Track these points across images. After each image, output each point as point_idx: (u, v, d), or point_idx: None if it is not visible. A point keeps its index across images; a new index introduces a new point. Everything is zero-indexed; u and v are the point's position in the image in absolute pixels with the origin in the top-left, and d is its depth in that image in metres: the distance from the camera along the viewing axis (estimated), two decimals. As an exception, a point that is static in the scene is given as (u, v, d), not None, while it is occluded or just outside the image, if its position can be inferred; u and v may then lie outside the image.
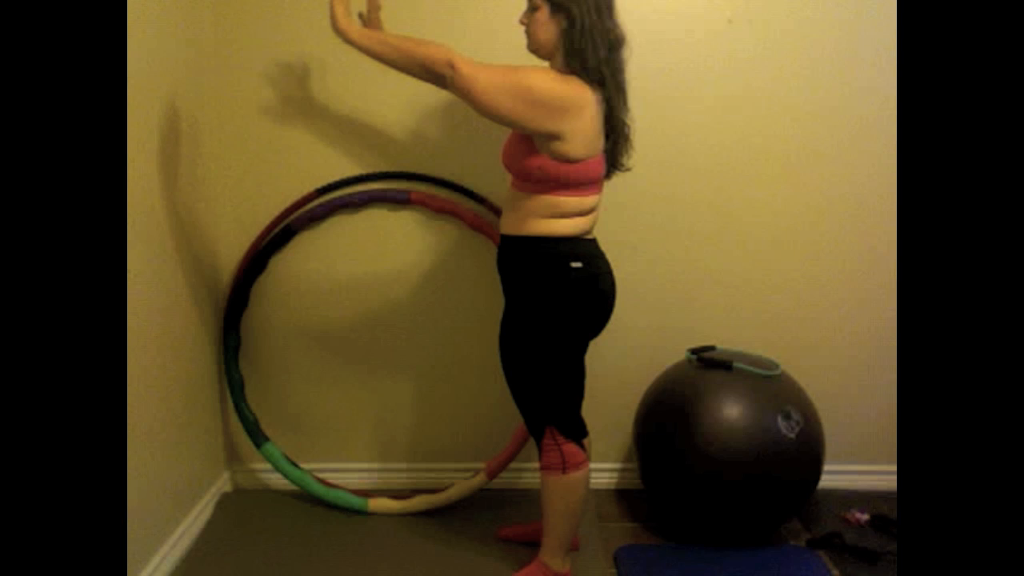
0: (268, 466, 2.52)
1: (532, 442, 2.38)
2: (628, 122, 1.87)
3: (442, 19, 2.37)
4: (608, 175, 1.92)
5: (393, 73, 2.40)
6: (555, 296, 1.83)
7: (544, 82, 1.73)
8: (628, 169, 1.94)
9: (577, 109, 1.73)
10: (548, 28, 1.78)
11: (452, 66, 1.72)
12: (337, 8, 1.80)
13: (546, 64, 1.84)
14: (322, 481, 2.49)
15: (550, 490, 1.95)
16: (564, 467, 1.91)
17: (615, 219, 2.38)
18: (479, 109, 1.75)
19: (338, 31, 1.82)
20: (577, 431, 1.96)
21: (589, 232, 1.90)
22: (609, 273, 1.92)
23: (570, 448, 1.92)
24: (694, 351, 2.38)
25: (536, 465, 2.51)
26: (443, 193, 2.45)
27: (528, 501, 2.46)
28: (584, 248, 1.87)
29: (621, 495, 2.62)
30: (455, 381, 2.58)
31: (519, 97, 1.71)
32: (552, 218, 1.81)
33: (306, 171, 2.44)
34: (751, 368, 2.25)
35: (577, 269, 1.82)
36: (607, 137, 1.83)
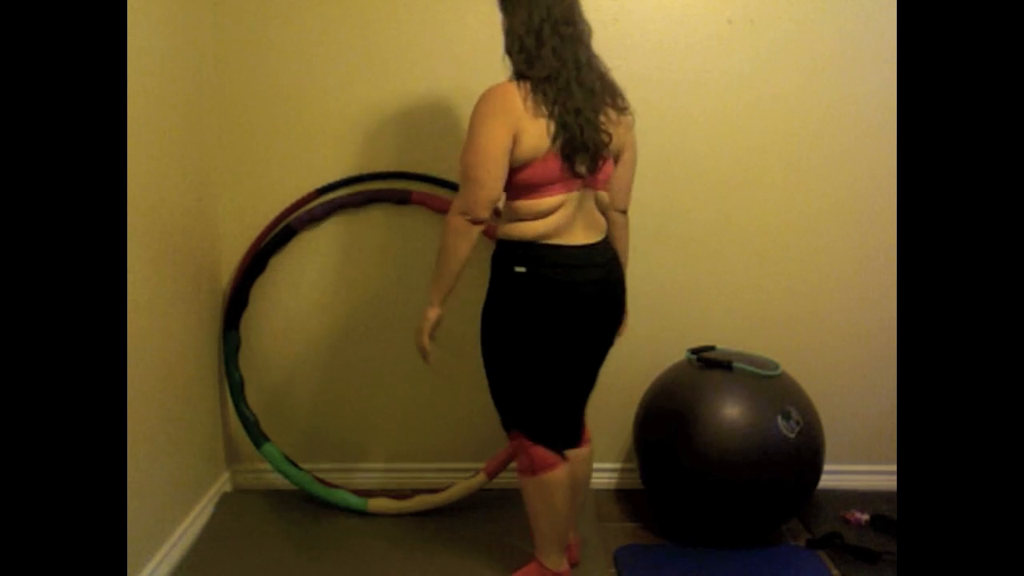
0: (268, 466, 2.51)
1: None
2: (591, 117, 1.75)
3: (442, 19, 2.37)
4: (591, 171, 1.78)
5: (393, 73, 2.42)
6: (500, 299, 1.84)
7: (476, 122, 1.73)
8: (591, 168, 1.78)
9: (495, 117, 1.71)
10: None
11: (471, 216, 1.74)
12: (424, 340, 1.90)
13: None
14: (322, 481, 2.49)
15: (525, 491, 1.96)
16: (533, 470, 1.90)
17: (615, 219, 2.39)
18: (488, 166, 1.73)
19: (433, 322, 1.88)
20: (551, 439, 1.90)
21: (559, 235, 1.79)
22: (582, 282, 1.80)
23: (538, 451, 1.88)
24: (694, 351, 2.38)
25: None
26: (443, 193, 2.45)
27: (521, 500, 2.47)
28: (541, 252, 1.78)
29: (621, 495, 2.62)
30: (455, 381, 2.58)
31: (477, 150, 1.73)
32: (511, 222, 1.82)
33: (306, 171, 2.44)
34: (751, 368, 2.25)
35: (520, 274, 1.79)
36: (559, 136, 1.73)
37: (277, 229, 2.45)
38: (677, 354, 2.45)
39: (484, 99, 1.74)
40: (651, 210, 2.49)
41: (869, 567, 2.17)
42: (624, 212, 1.99)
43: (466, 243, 1.78)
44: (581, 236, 1.82)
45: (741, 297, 2.56)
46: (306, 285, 2.53)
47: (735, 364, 2.26)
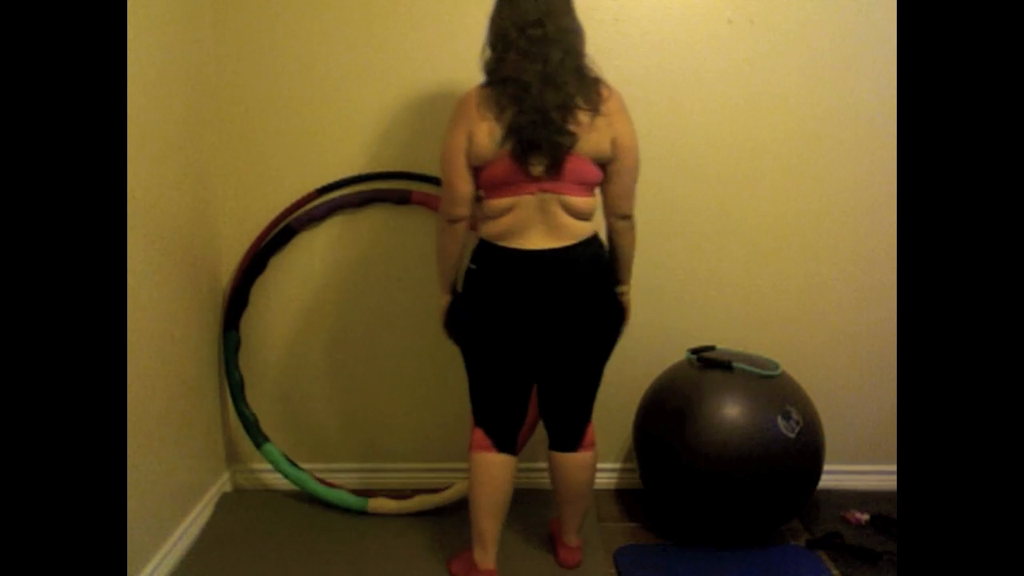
0: (268, 466, 2.51)
1: (531, 442, 2.38)
2: (555, 117, 1.72)
3: (442, 18, 2.37)
4: (550, 174, 1.76)
5: (394, 74, 2.42)
6: (462, 290, 1.95)
7: (446, 128, 1.84)
8: (549, 171, 1.76)
9: (456, 122, 1.81)
10: None
11: (446, 216, 1.87)
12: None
13: None
14: (322, 481, 2.49)
15: None
16: (469, 447, 2.00)
17: (615, 219, 2.39)
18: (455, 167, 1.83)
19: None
20: (489, 428, 1.98)
21: (511, 238, 1.81)
22: (525, 287, 1.82)
23: (476, 432, 2.00)
24: (694, 351, 2.38)
25: (534, 464, 2.52)
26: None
27: (527, 500, 2.46)
28: (490, 252, 1.85)
29: (621, 495, 2.62)
30: (455, 381, 2.56)
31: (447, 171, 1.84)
32: (479, 221, 1.90)
33: (306, 171, 2.44)
34: (751, 368, 2.25)
35: (470, 270, 1.90)
36: (509, 138, 1.73)
37: (277, 229, 2.45)
38: (677, 354, 2.45)
39: (455, 105, 1.83)
40: (651, 210, 2.48)
41: (869, 567, 2.17)
42: (625, 218, 1.94)
43: (449, 239, 1.89)
44: (539, 241, 1.82)
45: (741, 297, 2.56)
46: (306, 285, 2.53)
47: (735, 364, 2.26)
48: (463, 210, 1.84)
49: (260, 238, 2.45)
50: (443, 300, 2.01)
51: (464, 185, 1.81)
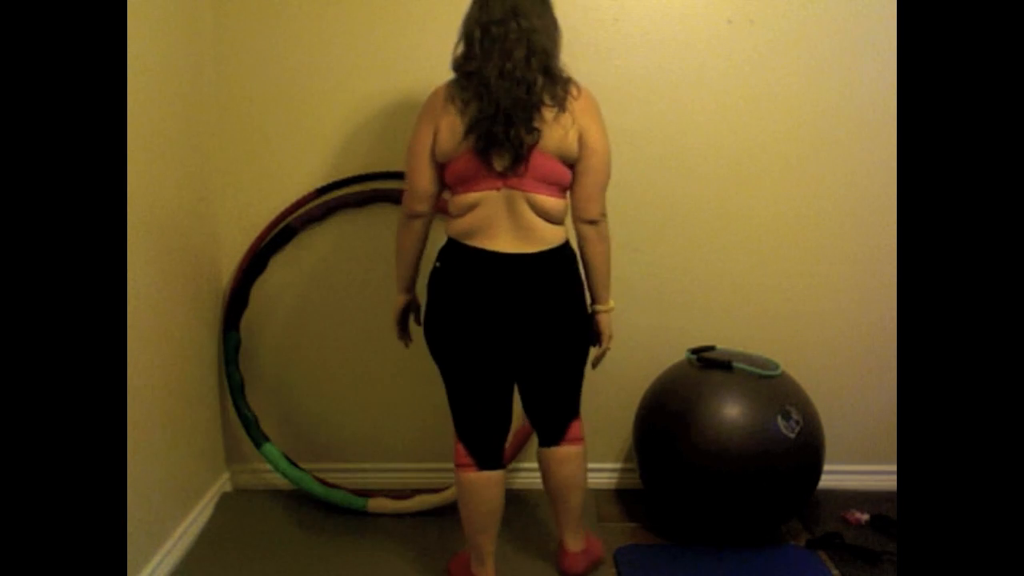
0: (268, 466, 2.51)
1: (530, 442, 2.38)
2: (516, 114, 1.71)
3: (442, 18, 2.37)
4: (513, 170, 1.75)
5: (394, 74, 2.41)
6: (428, 293, 1.90)
7: (415, 124, 1.85)
8: (512, 167, 1.74)
9: (422, 117, 1.83)
10: None
11: (406, 211, 1.89)
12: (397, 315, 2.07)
13: None
14: (322, 481, 2.49)
15: None
16: (455, 462, 1.97)
17: (615, 219, 2.38)
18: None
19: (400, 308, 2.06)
20: (467, 441, 1.94)
21: (477, 237, 1.80)
22: (486, 290, 1.80)
23: (458, 447, 1.96)
24: (694, 351, 2.38)
25: (532, 465, 2.51)
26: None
27: (526, 501, 2.47)
28: (455, 251, 1.83)
29: (621, 495, 2.62)
30: (455, 381, 2.58)
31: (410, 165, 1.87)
32: (448, 219, 1.89)
33: (306, 171, 2.44)
34: (751, 368, 2.25)
35: (435, 268, 1.89)
36: (470, 133, 1.74)
37: (277, 229, 2.45)
38: (677, 354, 2.45)
39: (425, 100, 1.85)
40: (651, 210, 2.49)
41: (869, 567, 2.17)
42: (591, 223, 1.84)
43: (406, 234, 1.91)
44: (506, 244, 1.79)
45: (741, 297, 2.56)
46: (306, 285, 2.53)
47: (735, 364, 2.26)
48: (423, 206, 1.86)
49: (260, 238, 2.45)
50: (398, 300, 2.02)
51: (424, 181, 1.83)
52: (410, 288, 2.01)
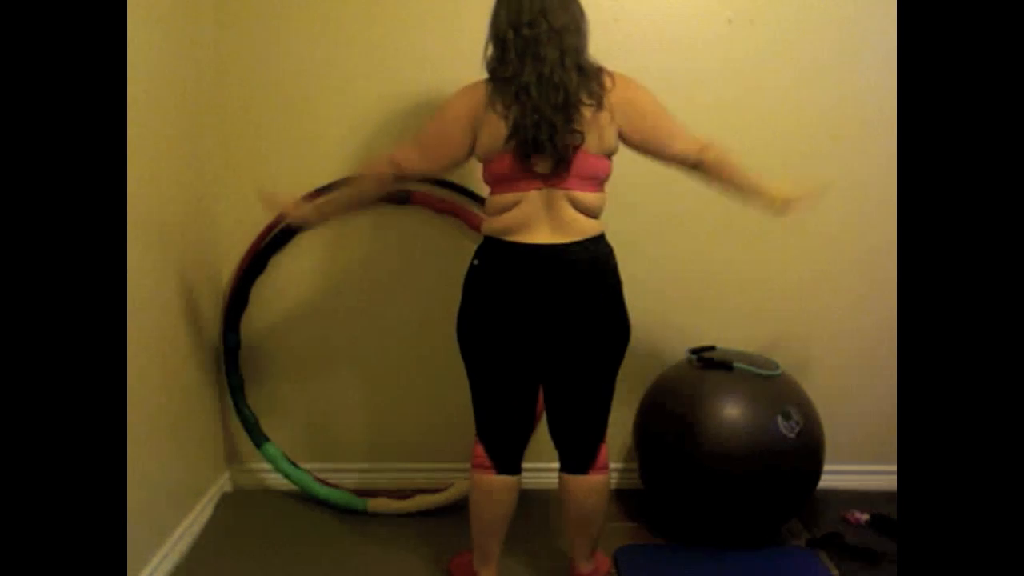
0: (268, 466, 2.51)
1: (535, 441, 2.38)
2: (555, 119, 1.71)
3: (443, 18, 2.37)
4: (556, 173, 1.75)
5: (394, 73, 2.41)
6: (463, 290, 1.89)
7: (444, 102, 1.86)
8: (554, 170, 1.75)
9: (452, 115, 1.82)
10: None
11: (392, 161, 1.86)
12: (286, 206, 2.02)
13: None
14: (322, 481, 2.49)
15: None
16: (472, 460, 1.96)
17: (616, 219, 2.37)
18: (438, 158, 1.88)
19: (293, 218, 2.03)
20: (489, 441, 1.93)
21: (517, 233, 1.79)
22: (530, 281, 1.79)
23: (477, 448, 1.95)
24: (694, 351, 2.38)
25: (535, 464, 2.51)
26: (443, 193, 2.45)
27: (525, 501, 2.46)
28: (496, 247, 1.81)
29: (621, 495, 2.62)
30: (455, 380, 2.56)
31: (435, 127, 1.86)
32: (486, 217, 1.87)
33: (306, 171, 2.44)
34: (751, 368, 2.25)
35: (474, 267, 1.86)
36: (512, 137, 1.73)
37: (277, 229, 2.45)
38: (677, 354, 2.45)
39: (464, 87, 1.83)
40: (651, 210, 2.49)
41: (869, 567, 2.17)
42: (704, 150, 1.88)
43: (368, 178, 1.96)
44: (546, 236, 1.79)
45: (742, 297, 2.56)
46: (306, 285, 2.53)
47: (735, 364, 2.26)
48: (405, 166, 1.86)
49: (260, 238, 2.45)
50: (298, 207, 2.00)
51: (433, 145, 1.85)
52: (321, 215, 2.01)
